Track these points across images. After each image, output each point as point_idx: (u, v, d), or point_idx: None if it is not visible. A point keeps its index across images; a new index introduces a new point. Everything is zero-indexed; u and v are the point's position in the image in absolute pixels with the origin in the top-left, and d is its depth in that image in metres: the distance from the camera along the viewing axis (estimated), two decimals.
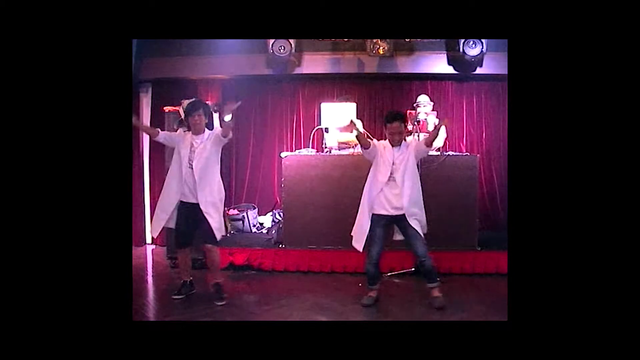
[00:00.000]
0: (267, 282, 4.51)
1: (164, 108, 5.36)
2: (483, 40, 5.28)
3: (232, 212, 5.74)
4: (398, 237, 3.86)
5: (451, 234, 4.66)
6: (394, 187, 3.68)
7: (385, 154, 3.74)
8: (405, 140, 3.82)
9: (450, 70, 5.85)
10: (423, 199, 3.78)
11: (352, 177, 4.69)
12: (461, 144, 6.16)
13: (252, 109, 6.26)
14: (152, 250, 5.98)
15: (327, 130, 5.25)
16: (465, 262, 4.68)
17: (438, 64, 5.87)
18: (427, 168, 4.53)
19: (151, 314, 3.68)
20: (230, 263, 4.78)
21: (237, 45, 5.75)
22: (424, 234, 3.73)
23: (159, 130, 4.00)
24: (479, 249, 4.77)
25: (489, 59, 5.62)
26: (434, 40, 5.74)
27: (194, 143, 3.80)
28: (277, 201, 6.14)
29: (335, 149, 5.11)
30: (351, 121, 3.96)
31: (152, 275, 4.93)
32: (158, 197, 3.99)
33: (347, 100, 5.41)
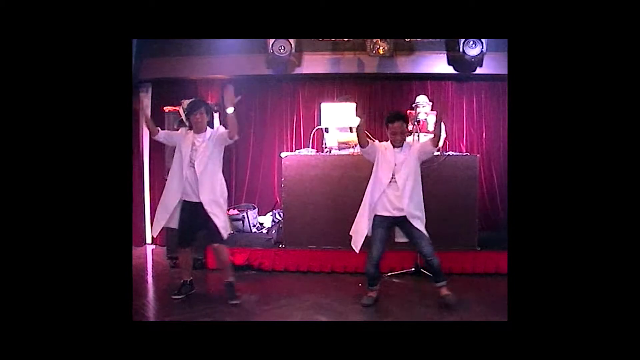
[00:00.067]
0: (267, 282, 4.51)
1: (164, 108, 5.36)
2: (483, 40, 5.28)
3: (232, 212, 5.73)
4: (400, 239, 3.85)
5: (451, 234, 4.66)
6: (396, 188, 3.67)
7: (387, 154, 3.73)
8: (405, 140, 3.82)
9: (450, 70, 5.86)
10: (423, 199, 3.78)
11: (352, 177, 4.70)
12: (461, 144, 6.17)
13: (252, 109, 6.27)
14: (152, 250, 5.98)
15: (327, 130, 5.25)
16: (465, 262, 4.68)
17: (438, 64, 5.87)
18: (427, 168, 4.52)
19: (151, 314, 3.68)
20: (230, 263, 4.78)
21: (237, 45, 5.76)
22: None
23: (159, 129, 3.99)
24: (479, 249, 4.77)
25: (489, 59, 5.62)
26: (434, 40, 5.75)
27: (195, 142, 3.79)
28: (277, 201, 6.15)
29: (335, 149, 5.10)
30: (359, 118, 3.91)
31: (152, 275, 4.93)
32: (158, 197, 3.98)
33: (347, 100, 5.40)
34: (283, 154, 5.10)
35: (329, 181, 4.87)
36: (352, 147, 5.02)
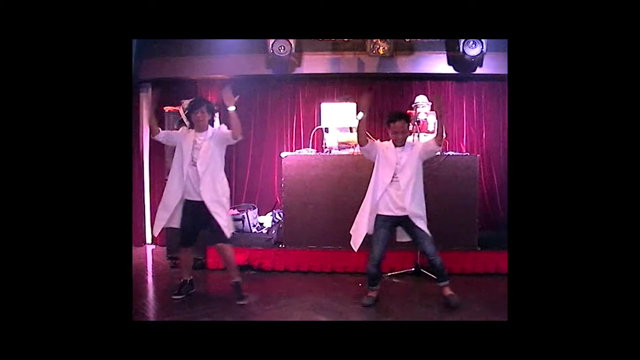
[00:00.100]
0: (267, 282, 4.51)
1: (164, 108, 5.36)
2: (483, 40, 5.28)
3: (232, 212, 5.73)
4: (404, 238, 3.85)
5: (451, 234, 4.65)
6: (398, 187, 3.68)
7: (388, 154, 3.73)
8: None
9: (450, 70, 5.85)
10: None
11: (352, 177, 4.71)
12: (461, 144, 6.16)
13: (252, 109, 6.26)
14: (152, 250, 5.98)
15: (327, 130, 5.25)
16: (465, 262, 4.68)
17: (438, 64, 5.87)
18: (427, 168, 4.50)
19: (151, 314, 3.68)
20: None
21: (237, 45, 5.75)
22: None
23: (160, 129, 3.99)
24: (479, 249, 4.77)
25: (489, 59, 5.62)
26: (434, 40, 5.74)
27: (197, 140, 3.78)
28: (277, 201, 6.15)
29: (335, 149, 5.10)
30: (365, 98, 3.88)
31: (152, 275, 4.92)
32: (158, 197, 3.98)
33: (347, 100, 5.40)
34: (283, 154, 5.10)
35: (329, 181, 4.87)
36: (352, 147, 5.02)
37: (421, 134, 4.86)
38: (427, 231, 3.68)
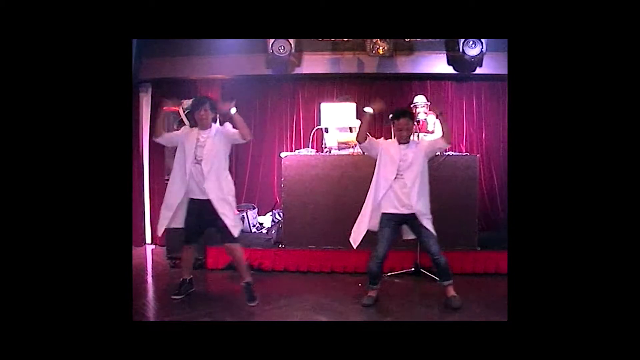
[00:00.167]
0: (267, 282, 4.50)
1: (164, 108, 5.35)
2: (483, 40, 5.28)
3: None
4: (409, 236, 3.84)
5: (451, 234, 4.64)
6: (403, 185, 3.67)
7: (391, 151, 3.73)
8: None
9: (450, 70, 5.86)
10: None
11: (352, 177, 4.71)
12: (461, 144, 6.17)
13: (252, 109, 6.26)
14: (152, 250, 5.98)
15: (327, 130, 5.26)
16: (465, 262, 4.68)
17: (438, 64, 5.87)
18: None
19: (151, 314, 3.68)
20: (230, 263, 4.78)
21: (237, 45, 5.75)
22: None
23: (163, 131, 3.97)
24: (479, 249, 4.77)
25: (489, 59, 5.62)
26: (433, 40, 5.75)
27: (200, 138, 3.76)
28: (277, 201, 6.15)
29: (335, 149, 5.11)
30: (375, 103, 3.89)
31: (152, 275, 4.92)
32: (158, 197, 3.97)
33: (347, 100, 5.41)
34: (283, 154, 5.10)
35: (329, 181, 4.87)
36: (352, 147, 5.02)
37: (421, 134, 4.86)
38: (432, 230, 3.68)
